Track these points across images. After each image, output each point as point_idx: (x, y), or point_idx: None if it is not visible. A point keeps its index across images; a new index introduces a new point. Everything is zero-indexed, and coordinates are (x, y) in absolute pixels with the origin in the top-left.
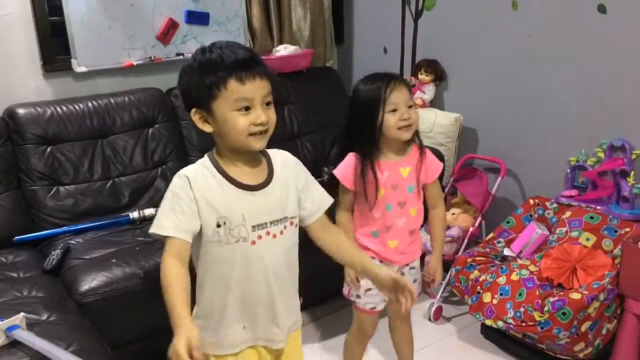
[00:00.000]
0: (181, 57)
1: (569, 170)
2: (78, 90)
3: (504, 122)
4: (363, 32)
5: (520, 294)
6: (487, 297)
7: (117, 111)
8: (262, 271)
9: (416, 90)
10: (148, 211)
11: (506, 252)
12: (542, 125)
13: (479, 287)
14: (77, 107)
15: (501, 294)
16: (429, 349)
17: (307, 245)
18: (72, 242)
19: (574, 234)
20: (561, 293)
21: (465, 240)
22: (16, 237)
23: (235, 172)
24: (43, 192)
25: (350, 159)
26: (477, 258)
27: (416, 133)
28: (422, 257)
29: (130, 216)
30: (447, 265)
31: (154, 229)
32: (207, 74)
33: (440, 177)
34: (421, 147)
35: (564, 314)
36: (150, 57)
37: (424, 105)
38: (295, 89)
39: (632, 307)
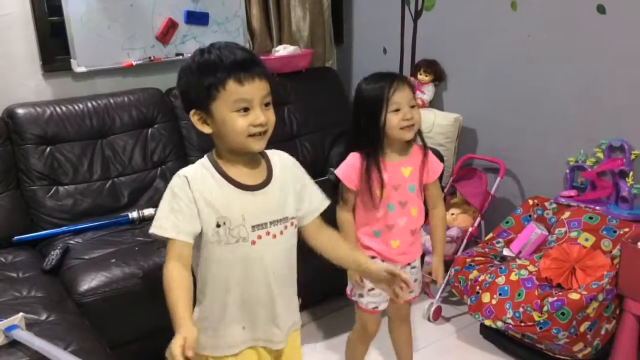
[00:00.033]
0: (181, 57)
1: (568, 171)
2: (77, 90)
3: (503, 122)
4: (362, 32)
5: (519, 294)
6: (486, 297)
7: (117, 111)
8: (262, 271)
9: (415, 90)
10: (147, 211)
11: (505, 252)
12: (541, 126)
13: (478, 287)
14: (76, 107)
15: (500, 294)
16: (428, 349)
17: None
18: (72, 242)
19: (573, 234)
20: (560, 293)
21: (465, 241)
22: (15, 237)
23: (235, 173)
24: (42, 192)
25: (354, 158)
26: (476, 258)
27: (419, 133)
28: (422, 257)
29: (130, 216)
30: (446, 265)
31: (154, 229)
32: (205, 75)
33: (440, 178)
34: (424, 147)
35: (562, 314)
36: (149, 57)
37: (423, 106)
38: (295, 89)
39: (631, 307)
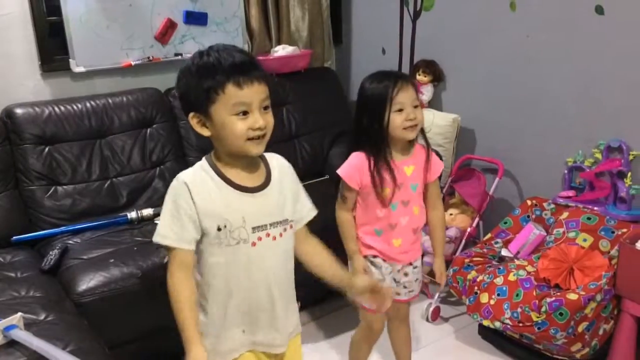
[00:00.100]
0: (179, 57)
1: (566, 171)
2: (76, 90)
3: (501, 122)
4: (361, 32)
5: (517, 295)
6: (484, 298)
7: (115, 111)
8: (263, 273)
9: None
10: (146, 211)
11: (504, 252)
12: (539, 126)
13: (476, 288)
14: (75, 107)
15: (498, 295)
16: (427, 349)
17: None
18: (70, 242)
19: (571, 234)
20: (558, 294)
21: (463, 241)
22: (14, 237)
23: (234, 175)
24: (41, 192)
25: (357, 158)
26: (475, 258)
27: (421, 132)
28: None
29: (128, 216)
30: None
31: (157, 238)
32: (205, 78)
33: (439, 178)
34: (427, 147)
35: (561, 314)
36: (148, 57)
37: (422, 106)
38: (293, 89)
39: (629, 307)
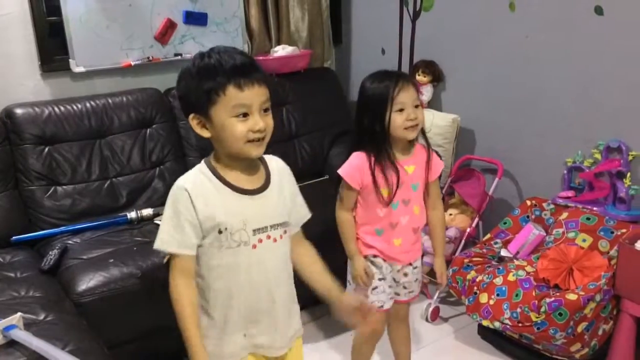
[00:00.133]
0: (179, 57)
1: (565, 172)
2: (76, 90)
3: (501, 123)
4: (361, 32)
5: (516, 295)
6: (483, 298)
7: (115, 111)
8: (264, 276)
9: None
10: (146, 211)
11: (503, 252)
12: (539, 127)
13: (475, 288)
14: (75, 107)
15: (498, 295)
16: (426, 349)
17: None
18: (70, 242)
19: (571, 235)
20: (557, 294)
21: (463, 241)
22: (14, 237)
23: (233, 177)
24: (41, 192)
25: (358, 158)
26: (474, 259)
27: (422, 131)
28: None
29: (128, 216)
30: None
31: (158, 244)
32: (205, 80)
33: (439, 178)
34: (428, 146)
35: (560, 314)
36: (148, 58)
37: (422, 106)
38: (293, 89)
39: (628, 308)
